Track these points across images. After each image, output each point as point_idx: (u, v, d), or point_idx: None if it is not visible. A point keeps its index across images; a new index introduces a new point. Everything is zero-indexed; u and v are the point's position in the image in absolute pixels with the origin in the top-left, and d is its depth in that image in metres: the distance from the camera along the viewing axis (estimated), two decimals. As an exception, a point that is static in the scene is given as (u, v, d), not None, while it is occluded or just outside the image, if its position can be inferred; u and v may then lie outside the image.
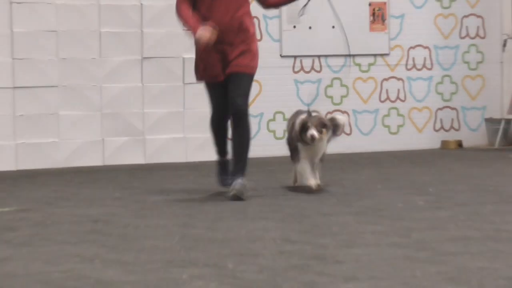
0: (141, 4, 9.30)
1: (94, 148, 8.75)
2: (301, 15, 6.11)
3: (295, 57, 10.08)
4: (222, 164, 5.95)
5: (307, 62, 10.03)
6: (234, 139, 5.67)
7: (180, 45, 9.08)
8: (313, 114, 5.87)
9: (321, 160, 6.07)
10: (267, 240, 3.98)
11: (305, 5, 5.98)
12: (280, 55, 10.11)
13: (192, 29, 5.56)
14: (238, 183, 5.45)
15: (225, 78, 5.54)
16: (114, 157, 8.95)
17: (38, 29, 8.85)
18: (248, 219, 4.86)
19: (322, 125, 5.77)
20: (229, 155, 5.91)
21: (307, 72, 10.11)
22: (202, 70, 5.65)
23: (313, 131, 5.65)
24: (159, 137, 9.01)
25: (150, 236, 4.64)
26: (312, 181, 5.82)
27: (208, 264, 3.55)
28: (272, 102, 9.81)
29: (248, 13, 5.68)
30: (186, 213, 5.44)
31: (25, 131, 8.71)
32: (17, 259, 3.89)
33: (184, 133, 9.18)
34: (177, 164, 9.03)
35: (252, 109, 8.27)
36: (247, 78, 5.62)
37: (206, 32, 5.43)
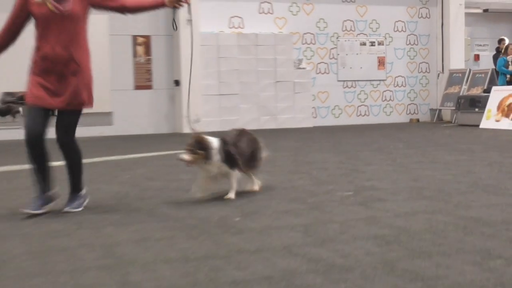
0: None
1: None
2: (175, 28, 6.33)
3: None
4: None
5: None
6: (64, 161, 5.34)
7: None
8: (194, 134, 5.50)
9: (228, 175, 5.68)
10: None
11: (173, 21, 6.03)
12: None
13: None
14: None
15: (51, 108, 5.05)
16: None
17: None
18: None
19: (197, 146, 5.36)
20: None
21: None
22: (29, 93, 5.07)
23: (183, 155, 5.34)
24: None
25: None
26: (198, 193, 5.66)
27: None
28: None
29: (82, 45, 5.09)
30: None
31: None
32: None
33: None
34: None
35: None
36: (74, 114, 5.13)
37: None
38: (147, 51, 15.83)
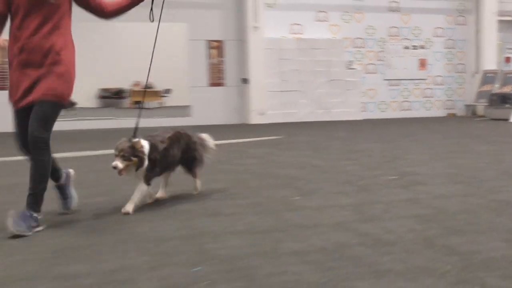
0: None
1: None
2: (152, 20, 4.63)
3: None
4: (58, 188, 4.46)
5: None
6: (30, 168, 3.92)
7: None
8: (132, 140, 4.35)
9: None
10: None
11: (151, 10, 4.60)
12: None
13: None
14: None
15: (33, 100, 3.90)
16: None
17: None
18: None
19: (131, 153, 4.30)
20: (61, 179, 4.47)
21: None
22: (11, 94, 4.03)
23: (116, 162, 4.27)
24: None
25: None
26: (128, 206, 4.39)
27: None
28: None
29: (65, 36, 4.04)
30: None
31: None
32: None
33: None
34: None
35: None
36: (50, 106, 3.91)
37: None
38: (220, 54, 15.97)
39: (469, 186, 5.40)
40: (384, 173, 6.34)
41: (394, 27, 17.55)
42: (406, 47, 17.61)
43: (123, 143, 4.32)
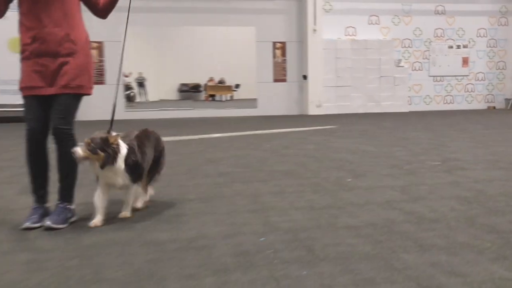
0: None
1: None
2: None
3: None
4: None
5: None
6: (56, 160, 3.44)
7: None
8: (109, 133, 3.36)
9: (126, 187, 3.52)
10: None
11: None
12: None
13: None
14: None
15: (48, 94, 3.35)
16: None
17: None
18: None
19: (99, 146, 3.26)
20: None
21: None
22: (21, 81, 3.40)
23: (77, 147, 3.24)
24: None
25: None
26: (96, 219, 3.37)
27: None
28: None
29: (77, 24, 3.43)
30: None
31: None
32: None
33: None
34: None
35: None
36: (72, 98, 3.39)
37: None
38: (283, 53, 15.93)
39: (509, 172, 5.18)
40: (429, 158, 6.17)
41: (440, 28, 16.99)
42: (450, 47, 16.98)
43: (98, 133, 3.35)
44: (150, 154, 3.72)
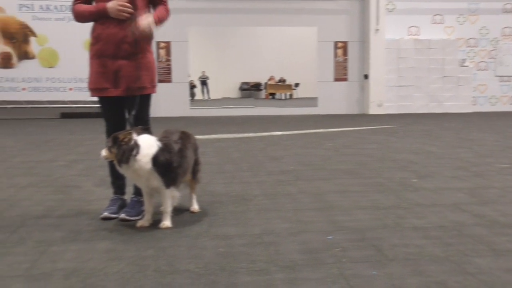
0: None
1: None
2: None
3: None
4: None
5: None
6: None
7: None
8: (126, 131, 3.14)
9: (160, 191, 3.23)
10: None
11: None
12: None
13: (101, 10, 3.30)
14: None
15: (117, 95, 3.36)
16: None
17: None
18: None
19: (112, 143, 3.10)
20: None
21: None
22: (89, 82, 3.41)
23: (102, 150, 3.15)
24: None
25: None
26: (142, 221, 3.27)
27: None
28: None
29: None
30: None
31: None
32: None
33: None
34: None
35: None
36: (139, 99, 3.41)
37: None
38: (345, 53, 15.73)
39: None
40: (496, 161, 5.92)
41: (508, 27, 16.25)
42: (519, 46, 16.30)
43: (116, 133, 3.17)
44: (190, 158, 3.44)
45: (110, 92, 3.39)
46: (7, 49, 13.87)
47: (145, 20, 3.26)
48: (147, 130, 3.33)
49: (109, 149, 3.09)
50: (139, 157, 3.07)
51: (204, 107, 17.77)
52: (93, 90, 3.43)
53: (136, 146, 3.08)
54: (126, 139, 3.07)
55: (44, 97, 13.90)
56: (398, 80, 15.43)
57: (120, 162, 3.07)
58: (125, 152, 3.05)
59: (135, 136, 3.11)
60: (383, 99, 15.26)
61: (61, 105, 13.98)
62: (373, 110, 15.25)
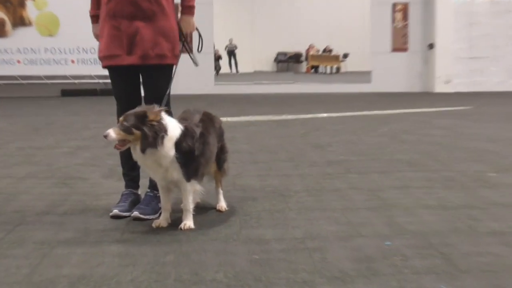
0: None
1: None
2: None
3: None
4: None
5: None
6: None
7: None
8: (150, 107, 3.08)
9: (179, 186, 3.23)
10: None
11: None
12: None
13: None
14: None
15: (131, 63, 3.36)
16: None
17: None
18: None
19: (135, 123, 2.98)
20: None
21: None
22: (102, 50, 3.43)
23: (110, 130, 2.98)
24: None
25: None
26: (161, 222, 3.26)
27: None
28: None
29: None
30: None
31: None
32: None
33: None
34: None
35: None
36: (157, 70, 3.42)
37: None
38: (404, 17, 15.54)
39: None
40: None
41: None
42: None
43: (138, 109, 3.11)
44: (214, 145, 3.40)
45: (122, 60, 3.38)
46: (0, 14, 14.10)
47: (189, 25, 3.53)
48: (166, 111, 3.30)
49: (129, 129, 2.97)
50: (166, 141, 3.02)
51: (232, 82, 17.84)
52: (104, 58, 3.44)
53: (165, 127, 3.02)
54: (158, 118, 3.01)
55: (42, 71, 14.15)
56: (470, 50, 15.25)
57: (149, 146, 2.98)
58: (157, 134, 2.97)
59: (163, 116, 3.07)
60: (451, 74, 15.09)
61: (62, 81, 14.26)
62: (439, 87, 15.08)
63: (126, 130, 2.98)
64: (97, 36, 3.53)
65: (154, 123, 2.99)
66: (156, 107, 3.09)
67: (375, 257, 2.76)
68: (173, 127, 3.11)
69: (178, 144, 3.09)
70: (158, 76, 3.45)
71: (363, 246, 2.92)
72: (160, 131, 2.98)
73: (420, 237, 3.07)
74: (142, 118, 2.99)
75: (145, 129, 2.96)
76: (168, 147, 3.05)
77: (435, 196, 3.97)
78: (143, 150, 3.01)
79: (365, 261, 2.71)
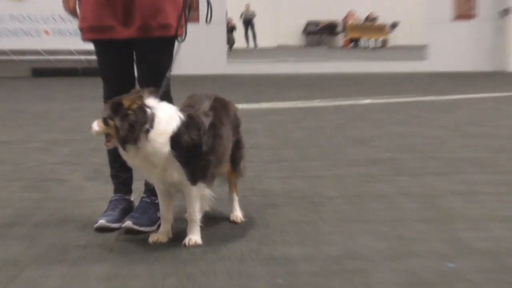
0: None
1: None
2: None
3: None
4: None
5: None
6: None
7: None
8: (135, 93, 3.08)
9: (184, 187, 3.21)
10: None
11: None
12: None
13: None
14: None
15: (128, 37, 3.38)
16: None
17: None
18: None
19: (111, 112, 3.02)
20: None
21: None
22: (87, 18, 3.40)
23: (94, 123, 3.07)
24: None
25: None
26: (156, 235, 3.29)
27: None
28: None
29: None
30: None
31: None
32: None
33: None
34: None
35: None
36: (160, 47, 3.44)
37: None
38: (471, -25, 15.45)
39: None
40: None
41: None
42: None
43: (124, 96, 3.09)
44: (227, 139, 3.39)
45: (116, 33, 3.38)
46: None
47: None
48: (165, 94, 3.31)
49: (106, 120, 3.01)
50: (152, 134, 2.99)
51: (249, 60, 17.82)
52: (89, 29, 3.41)
53: (150, 117, 3.00)
54: (134, 106, 2.98)
55: (8, 44, 14.11)
56: (557, 18, 15.14)
57: (125, 141, 2.98)
58: (132, 127, 2.95)
59: (148, 102, 3.04)
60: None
61: (33, 57, 14.23)
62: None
63: (104, 122, 3.02)
64: (67, 3, 3.45)
65: (129, 112, 2.97)
66: (145, 92, 3.08)
67: (432, 283, 2.73)
68: (167, 116, 3.07)
69: (176, 138, 3.06)
70: (158, 52, 3.44)
71: (418, 268, 2.90)
72: (136, 122, 2.95)
73: (490, 257, 3.04)
74: (116, 107, 2.99)
75: (116, 120, 2.97)
76: (159, 143, 3.02)
77: (510, 206, 3.93)
78: (122, 147, 3.03)
79: (420, 286, 2.69)
